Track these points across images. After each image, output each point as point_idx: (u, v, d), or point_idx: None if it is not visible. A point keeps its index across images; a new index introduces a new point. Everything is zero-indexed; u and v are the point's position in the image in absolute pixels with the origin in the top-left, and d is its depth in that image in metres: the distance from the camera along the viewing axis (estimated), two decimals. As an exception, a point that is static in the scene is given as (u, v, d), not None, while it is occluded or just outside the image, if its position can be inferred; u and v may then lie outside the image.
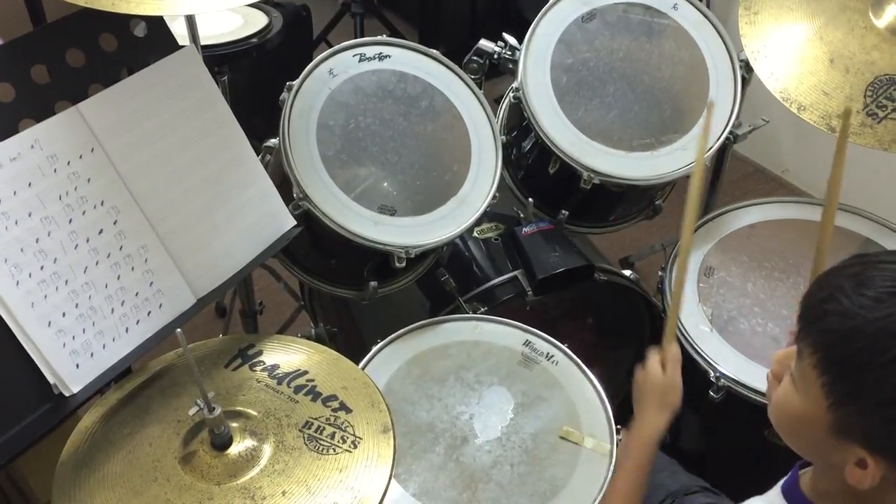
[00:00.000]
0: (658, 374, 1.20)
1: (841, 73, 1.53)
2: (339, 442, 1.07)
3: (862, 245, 1.63)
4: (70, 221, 1.08)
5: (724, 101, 1.62)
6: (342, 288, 1.62)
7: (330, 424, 1.09)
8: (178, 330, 0.97)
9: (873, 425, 0.80)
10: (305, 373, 1.17)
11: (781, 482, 0.97)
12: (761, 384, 1.42)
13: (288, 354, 1.21)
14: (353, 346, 1.81)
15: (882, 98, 1.51)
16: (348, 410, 1.12)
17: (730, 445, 1.63)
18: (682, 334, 1.51)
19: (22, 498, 1.58)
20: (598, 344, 1.84)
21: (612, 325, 1.86)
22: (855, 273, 0.83)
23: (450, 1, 3.35)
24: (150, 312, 1.16)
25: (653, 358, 1.23)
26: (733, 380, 1.43)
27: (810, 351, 0.84)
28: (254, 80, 2.26)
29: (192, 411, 1.02)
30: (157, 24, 1.21)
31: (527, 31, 1.66)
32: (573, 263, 1.58)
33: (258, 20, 2.13)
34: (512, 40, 1.64)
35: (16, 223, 1.03)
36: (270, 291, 2.19)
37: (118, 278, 1.13)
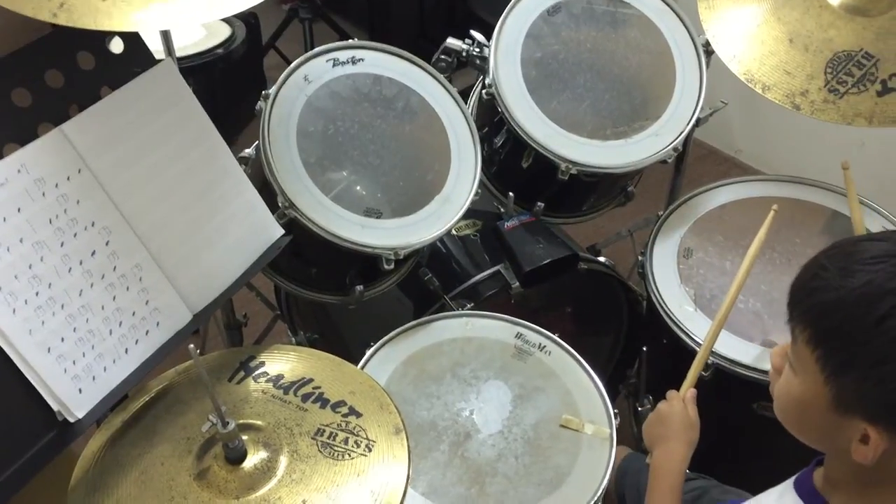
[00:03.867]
0: (683, 411, 1.25)
1: (800, 51, 1.58)
2: (353, 447, 1.07)
3: (830, 217, 1.68)
4: (62, 245, 1.06)
5: (691, 85, 1.66)
6: (327, 294, 1.61)
7: (342, 430, 1.09)
8: (191, 346, 0.96)
9: (869, 389, 0.83)
10: (311, 380, 1.17)
11: (794, 477, 1.00)
12: (749, 359, 1.46)
13: (290, 363, 1.20)
14: (336, 352, 1.79)
15: (842, 74, 1.55)
16: (358, 415, 1.12)
17: (717, 424, 1.66)
18: (668, 316, 1.53)
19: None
20: (578, 332, 1.86)
21: (590, 312, 1.89)
22: (835, 254, 0.89)
23: (397, 2, 3.35)
24: (147, 331, 1.14)
25: (674, 395, 1.28)
26: (722, 356, 1.46)
27: (801, 328, 0.89)
28: (211, 90, 2.24)
29: (204, 427, 1.02)
30: (133, 40, 1.19)
31: (477, 28, 1.67)
32: (559, 254, 1.60)
33: (221, 31, 2.10)
34: (480, 37, 1.64)
35: (7, 250, 1.00)
36: (244, 302, 2.16)
37: (114, 299, 1.11)
